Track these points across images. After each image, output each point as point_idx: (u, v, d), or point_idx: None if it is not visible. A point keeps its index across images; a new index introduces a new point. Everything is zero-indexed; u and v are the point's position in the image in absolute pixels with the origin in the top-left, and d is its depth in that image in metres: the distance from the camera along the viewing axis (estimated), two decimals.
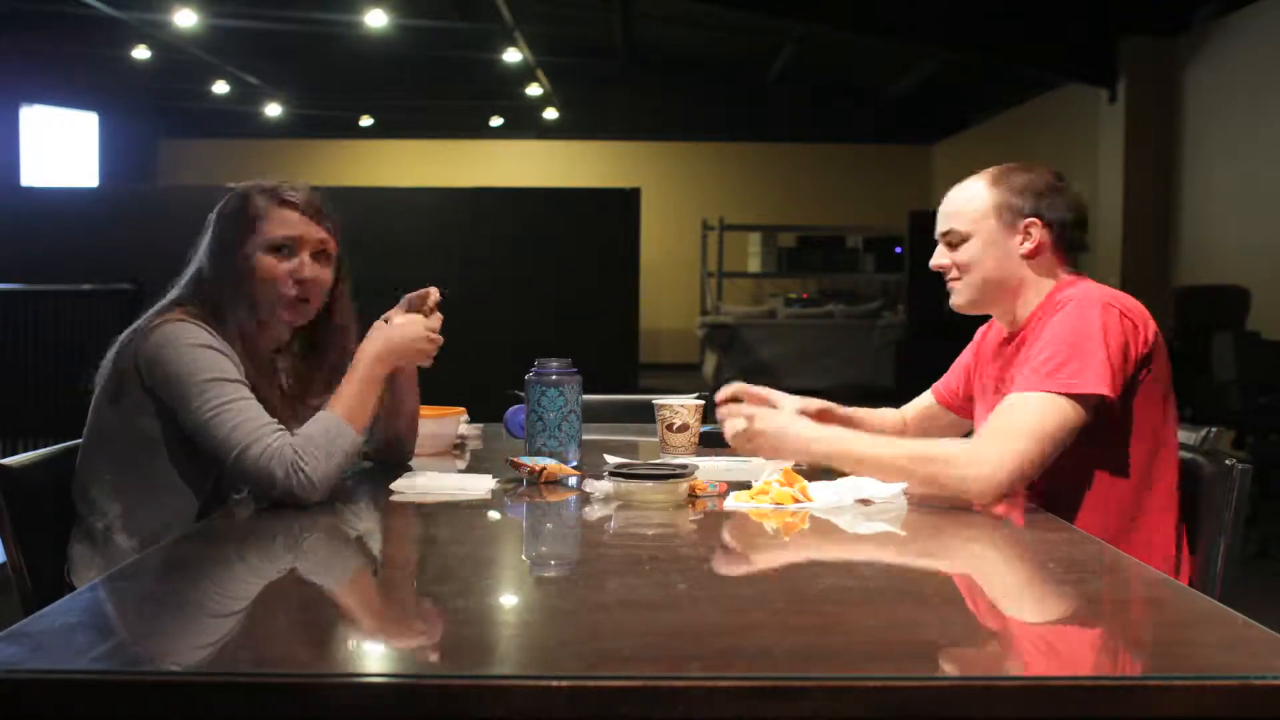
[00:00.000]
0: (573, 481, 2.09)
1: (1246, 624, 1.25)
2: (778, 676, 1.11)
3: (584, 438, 2.29)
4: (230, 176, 2.10)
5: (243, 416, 1.87)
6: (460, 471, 2.28)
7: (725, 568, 1.56)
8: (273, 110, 14.78)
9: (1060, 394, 1.85)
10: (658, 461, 2.15)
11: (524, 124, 15.40)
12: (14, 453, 2.15)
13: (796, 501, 1.87)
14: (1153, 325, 1.98)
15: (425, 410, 2.39)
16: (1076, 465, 1.94)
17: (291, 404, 2.08)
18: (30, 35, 11.33)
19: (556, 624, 1.32)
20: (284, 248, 2.03)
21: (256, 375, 1.99)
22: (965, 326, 2.35)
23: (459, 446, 2.53)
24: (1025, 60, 9.99)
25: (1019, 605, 1.49)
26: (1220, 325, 6.62)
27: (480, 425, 2.74)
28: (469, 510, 1.95)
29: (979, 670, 1.20)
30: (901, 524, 1.83)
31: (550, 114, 15.06)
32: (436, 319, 2.10)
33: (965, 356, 2.34)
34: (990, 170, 2.13)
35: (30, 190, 11.37)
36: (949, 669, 1.18)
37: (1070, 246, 2.09)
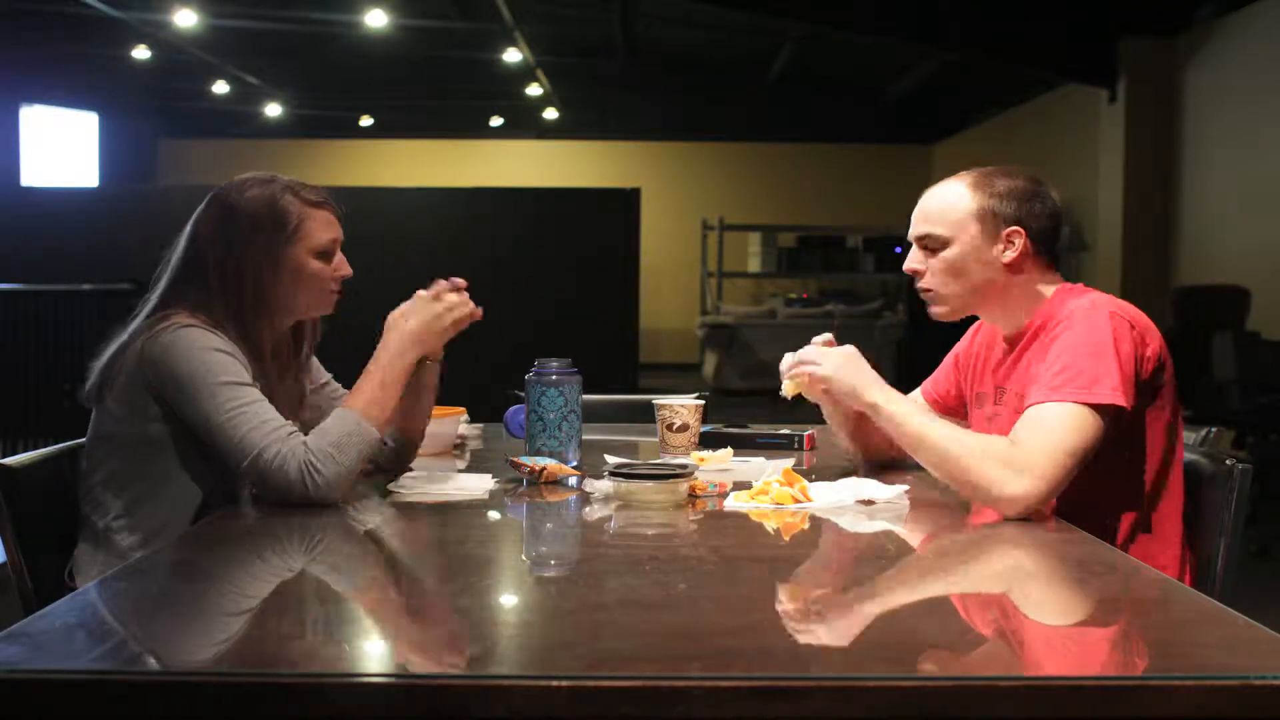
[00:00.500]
0: (573, 481, 2.09)
1: (1247, 624, 1.25)
2: (778, 676, 1.11)
3: (584, 438, 2.29)
4: (230, 177, 2.09)
5: (257, 420, 1.87)
6: (460, 471, 2.28)
7: (725, 568, 1.55)
8: (273, 110, 14.78)
9: (1084, 404, 1.81)
10: (658, 461, 2.15)
11: (524, 124, 15.40)
12: (14, 453, 2.15)
13: (796, 501, 1.87)
14: (1159, 337, 1.94)
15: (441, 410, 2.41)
16: (1092, 477, 1.91)
17: (300, 395, 2.10)
18: (30, 35, 11.33)
19: (556, 624, 1.32)
20: (327, 250, 2.05)
21: (265, 374, 2.00)
22: (965, 326, 2.33)
23: (459, 446, 2.53)
24: (1025, 60, 9.99)
25: (1019, 605, 1.49)
26: (1220, 325, 6.62)
27: (480, 425, 2.74)
28: (469, 510, 1.95)
29: (979, 670, 1.20)
30: (902, 524, 1.82)
31: (550, 114, 15.05)
32: (451, 297, 2.09)
33: (954, 357, 2.31)
34: (970, 172, 2.06)
35: (30, 190, 11.37)
36: (949, 669, 1.18)
37: (1054, 252, 2.04)
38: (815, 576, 1.58)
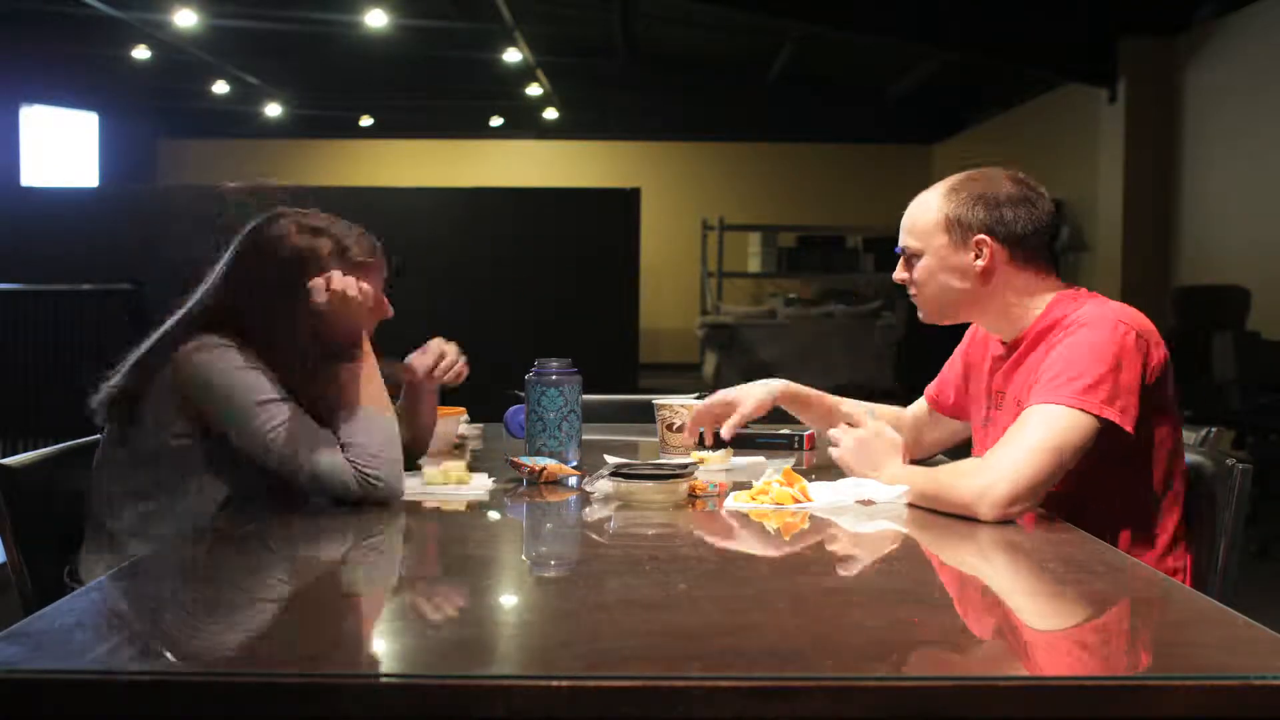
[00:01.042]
0: (573, 481, 2.09)
1: (1246, 624, 1.25)
2: (778, 676, 1.11)
3: (584, 438, 2.29)
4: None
5: (303, 433, 1.90)
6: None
7: (725, 568, 1.55)
8: (273, 110, 14.77)
9: (1074, 408, 1.80)
10: (658, 461, 2.15)
11: (524, 124, 15.39)
12: (14, 453, 2.15)
13: (796, 501, 1.87)
14: (1163, 345, 1.92)
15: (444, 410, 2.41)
16: (1094, 489, 1.91)
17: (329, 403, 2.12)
18: (30, 35, 11.32)
19: (556, 624, 1.32)
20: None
21: (307, 390, 2.00)
22: (965, 326, 2.33)
23: (459, 446, 2.53)
24: (1025, 60, 9.98)
25: (1019, 605, 1.49)
26: (1220, 325, 6.62)
27: (480, 425, 2.74)
28: (469, 510, 1.95)
29: (979, 670, 1.20)
30: (902, 524, 1.82)
31: (550, 114, 15.05)
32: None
33: (955, 358, 2.31)
34: (947, 181, 2.04)
35: (30, 190, 11.37)
36: (949, 669, 1.18)
37: (1038, 256, 2.00)
38: (815, 576, 1.58)
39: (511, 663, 1.21)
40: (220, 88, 13.65)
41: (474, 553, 1.70)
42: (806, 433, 2.52)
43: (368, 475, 1.88)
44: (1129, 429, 1.83)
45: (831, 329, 11.46)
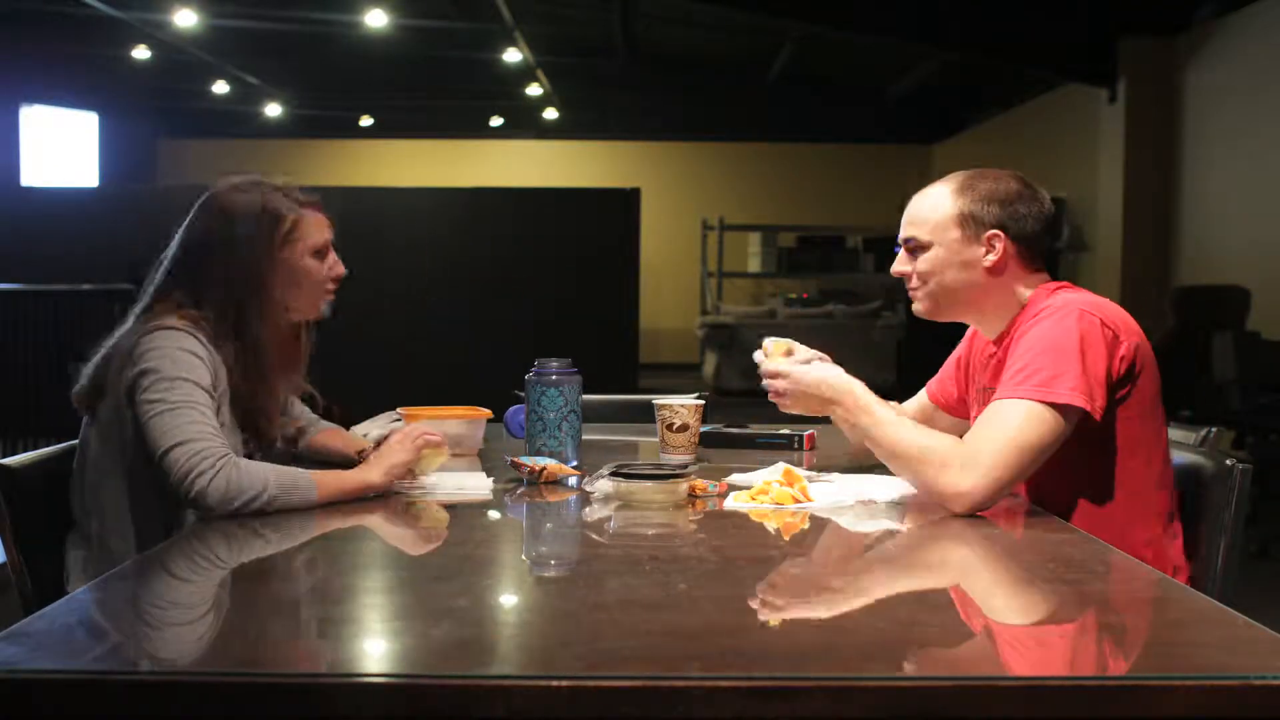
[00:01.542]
0: (573, 481, 2.09)
1: (1246, 624, 1.25)
2: (778, 676, 1.11)
3: (584, 438, 2.29)
4: (227, 177, 2.10)
5: (182, 420, 1.84)
6: (461, 471, 2.27)
7: (725, 568, 1.55)
8: (273, 110, 14.77)
9: (1038, 401, 1.81)
10: (658, 461, 2.15)
11: (524, 124, 15.39)
12: (14, 453, 2.15)
13: (796, 501, 1.87)
14: (1137, 334, 1.93)
15: (452, 411, 2.40)
16: (1067, 479, 1.91)
17: (284, 395, 2.12)
18: (30, 35, 11.32)
19: (556, 624, 1.32)
20: (321, 250, 2.09)
21: (266, 373, 2.00)
22: (965, 326, 2.33)
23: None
24: (1025, 60, 9.98)
25: (1019, 605, 1.49)
26: (1220, 325, 6.61)
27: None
28: (469, 510, 1.95)
29: (979, 670, 1.20)
30: (902, 524, 1.83)
31: (550, 114, 15.05)
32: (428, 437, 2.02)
33: (956, 356, 2.32)
34: (955, 176, 2.07)
35: (30, 190, 11.37)
36: (949, 669, 1.18)
37: (1040, 255, 2.04)
38: (815, 576, 1.58)
39: (511, 663, 1.21)
40: (220, 88, 13.66)
41: (474, 553, 1.70)
42: (806, 433, 2.52)
43: (231, 477, 1.79)
44: (1097, 417, 1.84)
45: (831, 329, 11.47)
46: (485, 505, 1.97)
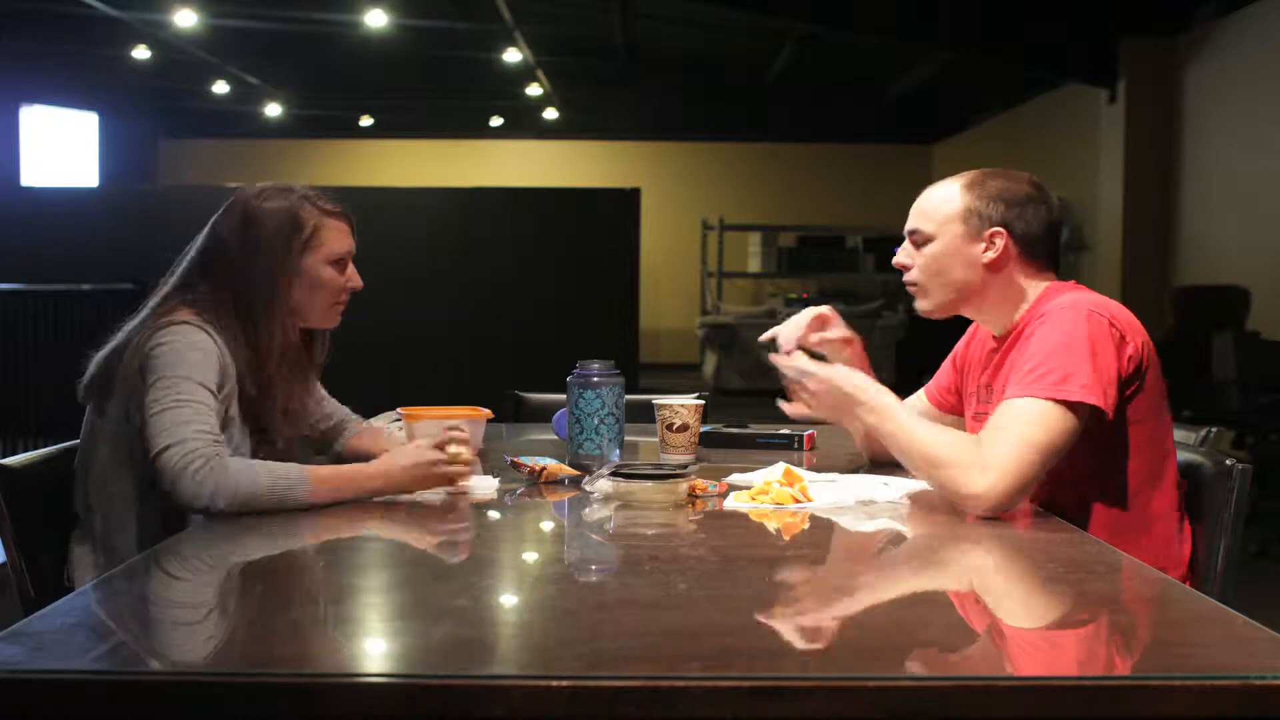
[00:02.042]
0: (572, 481, 2.09)
1: (1246, 624, 1.25)
2: (778, 676, 1.11)
3: None
4: (230, 176, 2.12)
5: (183, 418, 1.84)
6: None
7: (725, 568, 1.55)
8: (273, 110, 14.77)
9: (1052, 400, 1.81)
10: (658, 461, 2.15)
11: (524, 124, 15.39)
12: (14, 453, 2.15)
13: (796, 501, 1.87)
14: (1142, 334, 1.93)
15: (452, 411, 2.40)
16: (1075, 478, 1.91)
17: (304, 408, 2.11)
18: (30, 35, 11.32)
19: (556, 624, 1.32)
20: (341, 260, 2.10)
21: (271, 379, 2.01)
22: (964, 325, 2.34)
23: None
24: (1025, 60, 9.98)
25: (1020, 605, 1.49)
26: (1220, 325, 6.61)
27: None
28: (469, 510, 1.95)
29: (979, 670, 1.20)
30: (903, 524, 1.83)
31: (550, 114, 15.04)
32: (457, 447, 1.94)
33: (953, 356, 2.32)
34: (968, 173, 2.08)
35: (30, 190, 11.37)
36: (949, 669, 1.18)
37: (1044, 256, 2.04)
38: (815, 576, 1.58)
39: (511, 663, 1.21)
40: (220, 88, 13.65)
41: (474, 553, 1.70)
42: (807, 433, 2.53)
43: (223, 472, 1.79)
44: (1110, 414, 1.85)
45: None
46: (485, 505, 1.97)
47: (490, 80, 13.32)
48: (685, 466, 1.97)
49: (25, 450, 2.16)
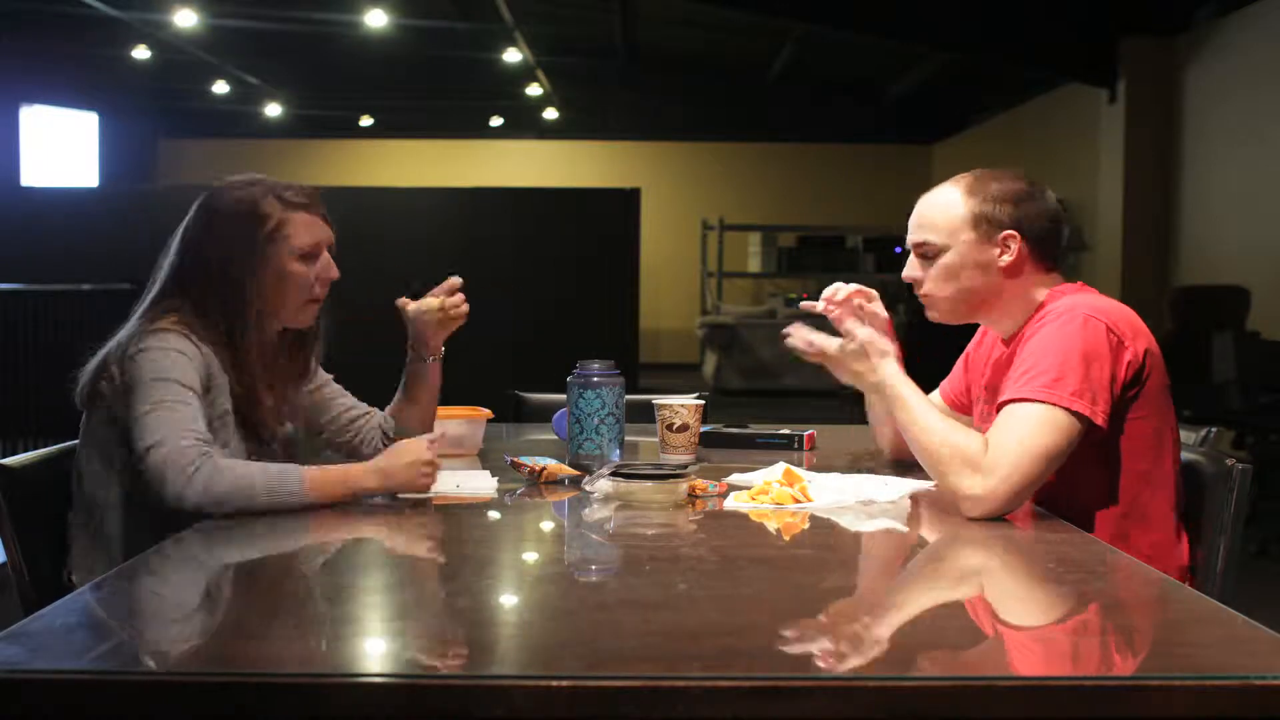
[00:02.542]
0: (572, 481, 2.09)
1: (1246, 624, 1.25)
2: (778, 676, 1.11)
3: None
4: (228, 177, 2.09)
5: (172, 421, 1.83)
6: (464, 470, 2.27)
7: (725, 568, 1.55)
8: (273, 110, 14.77)
9: (1052, 404, 1.80)
10: (658, 461, 2.15)
11: (524, 124, 15.39)
12: (14, 453, 2.15)
13: (796, 501, 1.87)
14: (1145, 338, 1.91)
15: (452, 411, 2.39)
16: (1075, 478, 1.91)
17: (293, 406, 2.10)
18: (30, 35, 11.32)
19: (556, 624, 1.32)
20: (310, 255, 2.04)
21: (252, 380, 2.00)
22: (965, 326, 2.33)
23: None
24: (1025, 60, 9.98)
25: (1020, 605, 1.49)
26: (1220, 325, 6.61)
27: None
28: (469, 510, 1.95)
29: (979, 670, 1.20)
30: (903, 524, 1.83)
31: (550, 114, 15.05)
32: (432, 451, 1.93)
33: (964, 357, 2.32)
34: (964, 177, 2.04)
35: (30, 190, 11.36)
36: (949, 669, 1.18)
37: (1052, 254, 2.02)
38: (815, 576, 1.58)
39: (511, 663, 1.21)
40: (220, 88, 13.66)
41: (474, 553, 1.70)
42: (806, 433, 2.53)
43: (208, 470, 1.79)
44: (1100, 423, 1.83)
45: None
46: (485, 505, 1.97)
47: (490, 80, 13.32)
48: (685, 466, 1.97)
49: (25, 450, 2.16)
